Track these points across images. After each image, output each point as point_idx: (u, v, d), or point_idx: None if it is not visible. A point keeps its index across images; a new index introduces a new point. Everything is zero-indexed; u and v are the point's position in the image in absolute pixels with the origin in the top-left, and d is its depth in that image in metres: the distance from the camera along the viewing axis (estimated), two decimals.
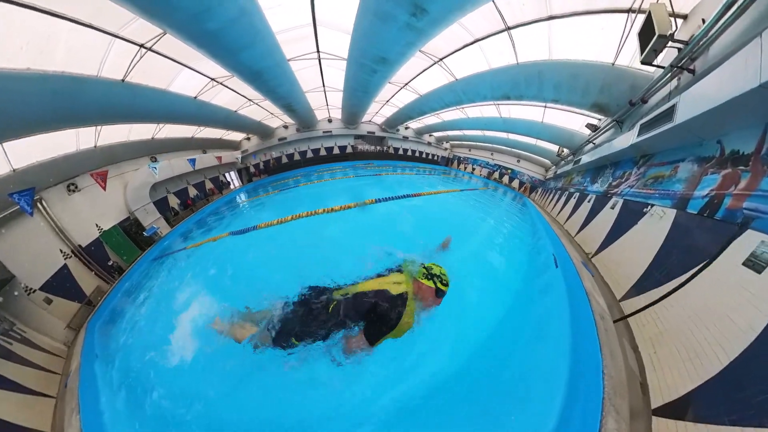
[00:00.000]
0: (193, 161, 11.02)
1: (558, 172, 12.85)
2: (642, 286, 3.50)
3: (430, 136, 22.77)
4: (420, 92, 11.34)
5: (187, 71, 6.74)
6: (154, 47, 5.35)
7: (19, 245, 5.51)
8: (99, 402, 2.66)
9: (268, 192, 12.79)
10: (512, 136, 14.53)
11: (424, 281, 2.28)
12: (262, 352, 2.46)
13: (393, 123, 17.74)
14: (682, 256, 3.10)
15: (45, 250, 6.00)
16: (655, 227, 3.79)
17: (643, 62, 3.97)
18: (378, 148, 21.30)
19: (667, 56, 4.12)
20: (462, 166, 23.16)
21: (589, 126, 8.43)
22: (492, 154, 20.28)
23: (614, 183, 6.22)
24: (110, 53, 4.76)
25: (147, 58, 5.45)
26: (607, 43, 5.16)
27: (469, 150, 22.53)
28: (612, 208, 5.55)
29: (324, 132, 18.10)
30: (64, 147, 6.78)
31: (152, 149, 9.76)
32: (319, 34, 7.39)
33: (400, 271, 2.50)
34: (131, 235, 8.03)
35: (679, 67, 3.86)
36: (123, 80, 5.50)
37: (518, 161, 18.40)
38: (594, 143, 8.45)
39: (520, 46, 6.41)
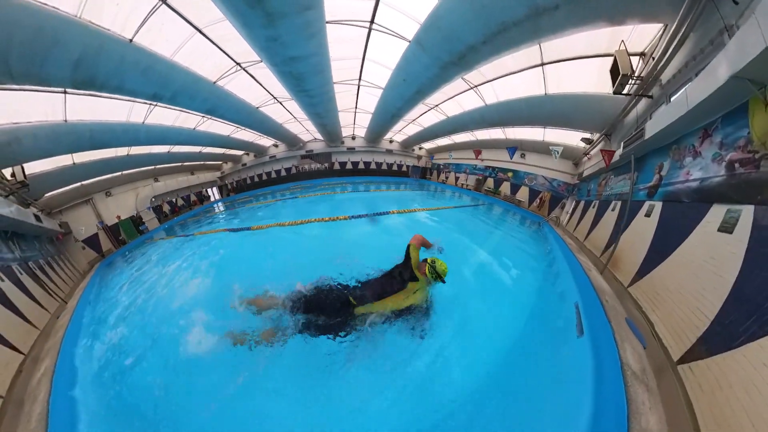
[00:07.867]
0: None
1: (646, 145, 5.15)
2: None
3: (391, 142, 20.49)
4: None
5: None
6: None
7: (78, 218, 11.59)
8: (92, 288, 8.34)
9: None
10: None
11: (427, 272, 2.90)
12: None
13: (331, 136, 16.65)
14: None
15: (89, 224, 12.02)
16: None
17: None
18: (326, 165, 21.77)
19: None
20: (443, 176, 18.45)
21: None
22: (481, 153, 14.76)
23: None
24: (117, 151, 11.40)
25: (133, 148, 12.00)
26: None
27: (450, 155, 17.77)
28: None
29: (270, 157, 21.04)
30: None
31: (155, 173, 16.67)
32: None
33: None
34: (135, 224, 14.59)
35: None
36: (127, 154, 12.16)
37: (522, 156, 11.99)
38: None
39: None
